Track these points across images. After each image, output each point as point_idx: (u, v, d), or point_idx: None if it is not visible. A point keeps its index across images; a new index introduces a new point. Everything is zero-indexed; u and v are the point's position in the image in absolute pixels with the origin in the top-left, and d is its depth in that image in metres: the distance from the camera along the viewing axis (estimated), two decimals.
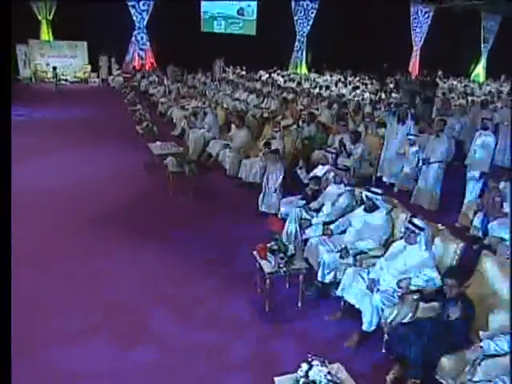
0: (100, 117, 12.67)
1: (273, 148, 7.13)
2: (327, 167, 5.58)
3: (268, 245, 4.06)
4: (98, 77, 21.95)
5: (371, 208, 4.15)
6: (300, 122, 8.88)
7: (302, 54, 26.82)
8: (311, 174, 5.80)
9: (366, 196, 4.17)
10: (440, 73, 22.32)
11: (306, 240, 4.63)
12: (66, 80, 21.10)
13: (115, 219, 5.76)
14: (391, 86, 14.71)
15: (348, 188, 4.75)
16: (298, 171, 5.74)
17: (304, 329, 3.80)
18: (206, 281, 4.46)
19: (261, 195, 5.92)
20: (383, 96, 12.05)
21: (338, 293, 3.80)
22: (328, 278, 4.10)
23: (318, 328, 3.80)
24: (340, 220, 4.49)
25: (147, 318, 3.85)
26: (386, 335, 3.41)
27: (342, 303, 3.92)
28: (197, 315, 3.93)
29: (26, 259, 4.60)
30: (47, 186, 6.87)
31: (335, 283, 4.08)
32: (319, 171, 5.69)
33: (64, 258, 4.75)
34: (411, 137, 7.00)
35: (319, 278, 4.13)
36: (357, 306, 3.61)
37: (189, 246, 5.18)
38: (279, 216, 5.48)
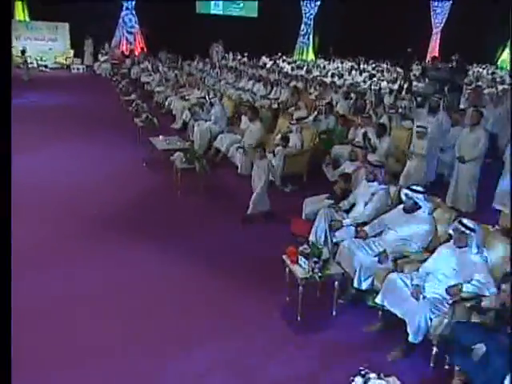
0: (91, 108, 12.73)
1: (291, 143, 7.24)
2: (357, 163, 5.66)
3: (300, 248, 4.13)
4: (82, 63, 21.98)
5: (412, 208, 4.23)
6: (315, 114, 8.98)
7: (308, 38, 26.97)
8: (336, 171, 5.89)
9: (406, 195, 4.25)
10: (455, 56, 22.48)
11: (336, 243, 4.71)
12: (45, 66, 21.06)
13: (119, 220, 5.84)
14: (416, 73, 14.84)
15: (382, 186, 4.83)
16: (325, 168, 5.82)
17: (340, 340, 3.87)
18: (225, 287, 4.54)
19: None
20: (406, 85, 12.13)
21: (378, 301, 3.88)
22: (365, 285, 4.18)
23: (356, 339, 3.87)
24: (375, 221, 4.57)
25: (160, 327, 3.91)
26: (434, 348, 3.49)
27: (380, 312, 4.00)
28: (219, 324, 4.00)
29: (26, 263, 4.66)
30: (41, 183, 6.93)
31: (372, 290, 4.17)
32: (347, 167, 5.77)
33: (67, 261, 4.82)
34: (419, 129, 6.98)
35: (355, 285, 4.21)
36: (399, 315, 3.68)
37: (203, 248, 5.26)
38: (303, 217, 5.57)
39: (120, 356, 3.56)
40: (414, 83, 14.32)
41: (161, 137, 7.92)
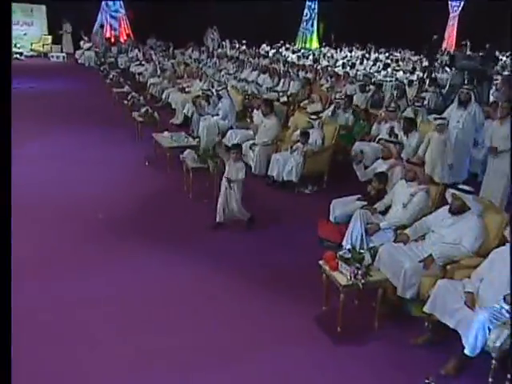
0: (79, 102, 12.80)
1: (311, 139, 7.36)
2: (391, 161, 5.78)
3: (339, 253, 4.24)
4: (62, 51, 22.00)
5: (459, 209, 4.35)
6: (332, 108, 9.11)
7: (312, 24, 27.20)
8: (368, 170, 6.01)
9: (454, 195, 4.37)
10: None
11: (372, 248, 4.81)
12: (19, 54, 21.00)
13: (130, 226, 5.90)
14: (442, 62, 15.05)
15: (422, 186, 4.95)
16: (355, 167, 5.93)
17: (386, 353, 3.97)
18: (255, 296, 4.62)
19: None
20: (430, 75, 12.31)
21: (426, 310, 3.98)
22: (409, 293, 4.29)
23: (404, 352, 3.97)
24: (416, 224, 4.68)
25: (184, 339, 3.99)
26: (493, 361, 3.58)
27: (427, 323, 4.10)
28: (255, 336, 4.08)
29: (27, 271, 4.73)
30: (37, 189, 6.92)
31: (417, 299, 4.28)
32: (379, 166, 5.89)
33: (74, 269, 4.88)
34: (440, 121, 7.10)
35: (399, 293, 4.32)
36: (452, 326, 3.77)
37: (225, 255, 5.34)
38: (332, 220, 5.68)
39: (155, 372, 3.63)
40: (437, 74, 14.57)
41: (165, 133, 8.00)
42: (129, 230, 5.80)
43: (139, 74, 14.90)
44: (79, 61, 20.55)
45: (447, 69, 14.30)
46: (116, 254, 5.23)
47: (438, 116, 7.32)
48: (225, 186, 5.74)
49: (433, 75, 11.29)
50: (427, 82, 11.43)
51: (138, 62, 16.77)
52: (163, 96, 12.21)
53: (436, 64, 13.63)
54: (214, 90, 9.55)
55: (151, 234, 5.72)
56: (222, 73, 14.54)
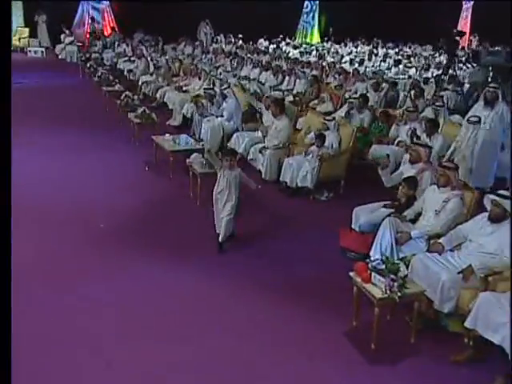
0: (67, 102, 12.83)
1: (327, 142, 7.48)
2: (420, 165, 5.90)
3: (372, 263, 4.33)
4: (41, 45, 22.06)
5: (499, 216, 4.46)
6: (346, 108, 9.26)
7: (313, 17, 27.47)
8: (394, 175, 6.12)
9: (493, 201, 4.48)
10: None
11: (402, 258, 4.92)
12: None
13: (130, 234, 5.98)
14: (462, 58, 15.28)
15: (456, 192, 5.07)
16: (380, 172, 6.04)
17: (425, 371, 4.05)
18: (279, 310, 4.71)
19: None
20: (449, 72, 12.50)
21: (468, 325, 4.05)
22: (448, 307, 4.38)
23: (445, 370, 4.05)
24: (451, 232, 4.79)
25: (219, 354, 4.06)
26: None
27: (467, 339, 4.19)
28: (284, 353, 4.16)
29: (29, 283, 4.81)
30: (33, 200, 6.94)
31: (456, 313, 4.37)
32: (406, 170, 6.01)
33: (76, 279, 4.96)
34: (473, 118, 7.35)
35: (436, 307, 4.41)
36: (496, 342, 3.84)
37: (241, 266, 5.43)
38: (356, 229, 5.78)
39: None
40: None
41: (167, 135, 8.09)
42: (133, 239, 5.89)
43: (129, 71, 14.99)
44: (60, 56, 20.62)
45: (467, 65, 14.53)
46: (121, 264, 5.32)
47: (472, 114, 7.50)
48: (216, 198, 5.67)
49: (452, 72, 11.46)
50: (446, 80, 11.61)
51: (126, 58, 16.88)
52: (157, 95, 12.31)
53: (456, 60, 13.79)
54: (216, 89, 9.65)
55: (157, 243, 5.80)
56: (220, 70, 14.67)
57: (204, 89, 9.97)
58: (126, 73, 15.57)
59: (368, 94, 10.88)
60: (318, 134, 7.41)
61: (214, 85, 10.77)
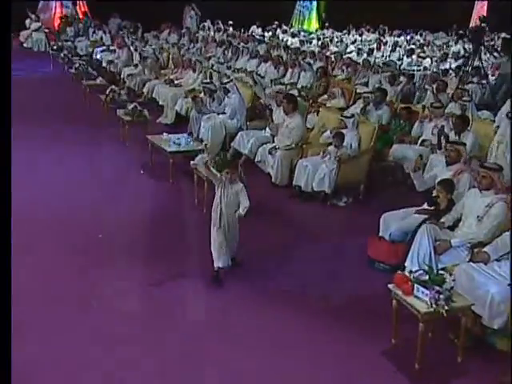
0: (42, 95, 12.84)
1: (345, 142, 7.64)
2: (457, 166, 6.08)
3: (414, 274, 4.47)
4: None
5: None
6: (361, 104, 9.43)
7: (311, 1, 27.75)
8: (427, 177, 6.30)
9: None
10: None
11: (442, 269, 5.07)
12: None
13: (129, 246, 6.06)
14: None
15: (500, 196, 5.24)
16: (413, 174, 6.21)
17: None
18: (309, 327, 4.84)
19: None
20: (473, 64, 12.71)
21: None
22: (497, 323, 4.53)
23: None
24: (498, 240, 4.94)
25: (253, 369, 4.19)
26: None
27: None
28: (313, 376, 4.29)
29: (31, 300, 4.89)
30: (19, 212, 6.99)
31: (505, 329, 4.52)
32: (441, 172, 6.18)
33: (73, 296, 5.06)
34: None
35: (484, 323, 4.56)
36: None
37: (260, 280, 5.54)
38: (386, 237, 5.94)
39: None
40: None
41: (165, 134, 8.20)
42: (132, 252, 5.96)
43: (109, 62, 15.07)
44: (25, 44, 20.62)
45: (495, 55, 14.77)
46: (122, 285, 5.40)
47: None
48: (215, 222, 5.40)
49: (477, 63, 11.69)
50: (469, 72, 11.84)
51: (104, 48, 16.96)
52: (145, 90, 12.41)
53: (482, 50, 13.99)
54: (216, 83, 9.79)
55: (163, 257, 5.89)
56: (211, 61, 14.82)
57: (202, 83, 10.10)
58: (104, 64, 15.65)
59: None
60: (336, 132, 7.56)
61: (211, 78, 10.90)
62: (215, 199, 5.45)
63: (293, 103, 8.19)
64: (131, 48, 15.27)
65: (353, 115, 8.01)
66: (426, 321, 4.28)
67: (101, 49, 16.99)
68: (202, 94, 9.81)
